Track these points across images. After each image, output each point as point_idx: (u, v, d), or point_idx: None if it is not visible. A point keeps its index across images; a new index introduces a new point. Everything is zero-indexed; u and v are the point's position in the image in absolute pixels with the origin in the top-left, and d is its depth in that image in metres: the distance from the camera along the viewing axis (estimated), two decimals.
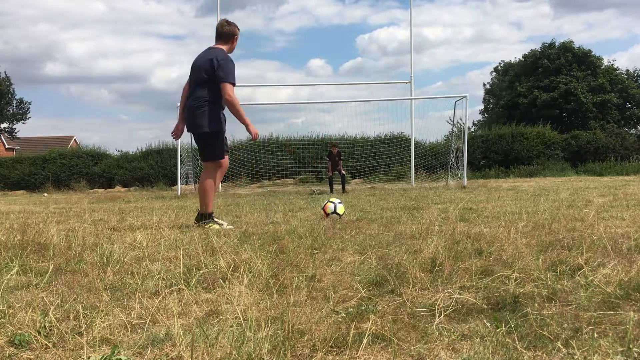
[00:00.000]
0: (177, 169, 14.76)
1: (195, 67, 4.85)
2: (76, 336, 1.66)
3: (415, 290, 2.17)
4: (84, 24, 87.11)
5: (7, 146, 42.05)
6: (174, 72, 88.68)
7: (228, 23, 4.99)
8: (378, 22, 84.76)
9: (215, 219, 4.86)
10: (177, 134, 5.18)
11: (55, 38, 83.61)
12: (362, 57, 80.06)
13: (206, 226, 4.62)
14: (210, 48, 4.94)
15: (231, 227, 4.63)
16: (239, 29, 5.05)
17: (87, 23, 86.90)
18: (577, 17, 68.30)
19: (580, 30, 67.24)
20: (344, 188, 13.06)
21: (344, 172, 13.54)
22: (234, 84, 4.76)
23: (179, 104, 5.14)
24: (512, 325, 1.67)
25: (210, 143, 4.86)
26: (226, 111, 4.96)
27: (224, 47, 4.93)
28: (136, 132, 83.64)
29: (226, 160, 5.03)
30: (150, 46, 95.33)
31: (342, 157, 13.88)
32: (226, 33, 4.94)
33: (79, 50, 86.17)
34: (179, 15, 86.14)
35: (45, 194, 17.66)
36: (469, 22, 78.30)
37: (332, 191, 12.86)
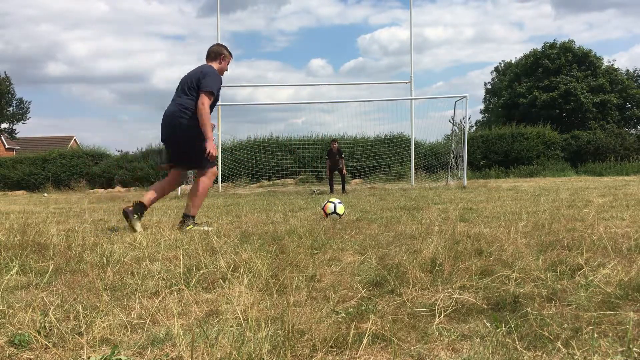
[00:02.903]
0: None
1: (183, 80, 4.87)
2: (76, 336, 1.66)
3: (415, 290, 2.17)
4: (86, 24, 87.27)
5: (7, 146, 42.05)
6: (175, 72, 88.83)
7: (217, 44, 5.17)
8: (379, 22, 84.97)
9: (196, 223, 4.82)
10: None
11: (57, 38, 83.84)
12: (363, 57, 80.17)
13: (187, 228, 4.51)
14: (200, 65, 5.01)
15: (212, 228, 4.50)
16: (229, 52, 5.09)
17: (89, 23, 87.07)
18: (578, 17, 68.44)
19: (581, 30, 67.35)
20: (344, 188, 12.90)
21: (345, 171, 13.29)
22: (210, 96, 4.69)
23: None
24: (512, 326, 1.67)
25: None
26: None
27: (214, 65, 4.97)
28: (137, 132, 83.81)
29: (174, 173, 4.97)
30: (152, 46, 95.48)
31: (343, 155, 13.39)
32: (212, 51, 5.02)
33: (81, 51, 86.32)
34: (180, 16, 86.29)
35: (45, 194, 17.66)
36: (470, 22, 78.46)
37: (332, 191, 12.69)
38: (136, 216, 4.56)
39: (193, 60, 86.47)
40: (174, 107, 4.74)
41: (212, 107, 4.82)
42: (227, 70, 5.10)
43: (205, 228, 4.48)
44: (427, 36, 73.55)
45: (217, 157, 4.81)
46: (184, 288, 2.18)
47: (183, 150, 4.77)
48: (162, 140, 4.94)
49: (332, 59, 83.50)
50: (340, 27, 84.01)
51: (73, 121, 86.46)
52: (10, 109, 37.84)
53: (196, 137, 4.66)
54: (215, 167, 4.90)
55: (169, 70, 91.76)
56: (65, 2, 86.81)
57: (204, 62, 5.03)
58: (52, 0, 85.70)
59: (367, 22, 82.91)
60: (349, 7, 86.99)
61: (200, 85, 4.69)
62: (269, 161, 19.53)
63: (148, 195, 4.76)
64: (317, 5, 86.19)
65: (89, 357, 1.52)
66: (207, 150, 4.62)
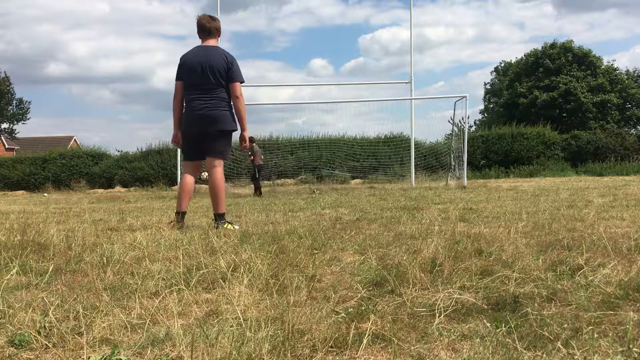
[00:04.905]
0: (177, 169, 14.77)
1: (207, 69, 4.72)
2: (76, 336, 1.66)
3: (415, 290, 2.17)
4: (87, 24, 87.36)
5: (7, 146, 42.04)
6: (175, 73, 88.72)
7: (214, 18, 4.93)
8: (380, 22, 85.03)
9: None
10: (179, 141, 5.00)
11: (58, 38, 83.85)
12: (364, 57, 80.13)
13: (224, 226, 4.57)
14: (210, 47, 4.84)
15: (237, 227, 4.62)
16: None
17: (90, 23, 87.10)
18: (579, 18, 68.42)
19: (582, 30, 67.32)
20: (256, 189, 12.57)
21: (255, 167, 12.79)
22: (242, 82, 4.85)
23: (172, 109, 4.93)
24: (512, 326, 1.67)
25: (227, 142, 4.92)
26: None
27: (216, 43, 4.90)
28: (137, 132, 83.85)
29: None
30: (153, 46, 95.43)
31: (250, 154, 12.85)
32: (216, 28, 4.89)
33: (82, 51, 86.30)
34: (182, 16, 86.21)
35: (45, 194, 17.66)
36: (471, 22, 78.45)
37: (259, 193, 12.26)
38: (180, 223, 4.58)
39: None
40: (214, 101, 4.71)
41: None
42: None
43: (236, 227, 4.56)
44: (428, 36, 73.64)
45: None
46: (184, 288, 2.18)
47: (211, 142, 4.79)
48: (194, 134, 4.81)
49: (333, 59, 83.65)
50: (342, 27, 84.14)
51: (74, 121, 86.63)
52: (11, 109, 37.82)
53: (230, 130, 4.82)
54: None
55: (170, 70, 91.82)
56: (66, 3, 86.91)
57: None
58: (53, 1, 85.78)
59: (369, 22, 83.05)
60: (350, 7, 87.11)
61: (232, 76, 4.73)
62: (269, 161, 19.53)
63: (184, 203, 4.82)
64: (318, 5, 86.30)
65: (89, 357, 1.52)
66: (246, 141, 4.93)
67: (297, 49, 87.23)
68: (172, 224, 4.56)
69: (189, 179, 4.89)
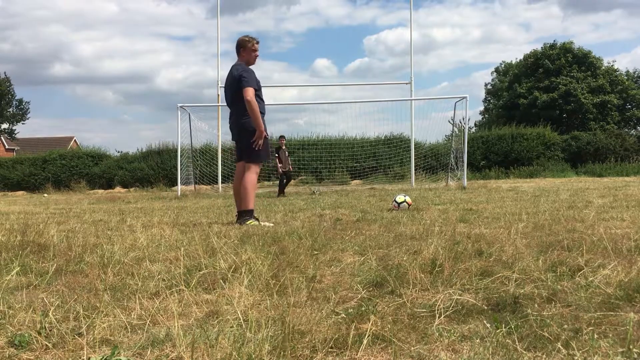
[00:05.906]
0: (177, 170, 14.77)
1: (227, 92, 5.37)
2: (76, 337, 1.66)
3: (416, 291, 2.17)
4: (95, 25, 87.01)
5: (7, 147, 42.05)
6: (179, 73, 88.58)
7: (239, 38, 5.41)
8: (387, 23, 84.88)
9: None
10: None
11: (64, 39, 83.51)
12: (369, 57, 79.96)
13: (247, 222, 4.94)
14: (231, 66, 5.40)
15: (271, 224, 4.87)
16: (249, 39, 5.37)
17: (99, 24, 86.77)
18: (585, 18, 68.06)
19: (587, 31, 67.07)
20: (283, 190, 12.22)
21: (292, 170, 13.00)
22: (253, 88, 5.13)
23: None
24: (512, 326, 1.67)
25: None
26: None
27: (241, 61, 5.36)
28: (139, 132, 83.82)
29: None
30: (159, 47, 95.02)
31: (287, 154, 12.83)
32: (236, 46, 5.39)
33: (87, 51, 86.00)
34: (189, 17, 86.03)
35: (45, 195, 17.66)
36: (477, 23, 78.18)
37: (282, 193, 11.88)
38: (252, 221, 4.97)
39: (199, 60, 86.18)
40: (236, 115, 5.28)
41: (258, 96, 5.25)
42: (256, 56, 5.43)
43: (267, 224, 4.84)
44: (434, 37, 73.45)
45: (264, 148, 5.29)
46: (184, 289, 2.18)
47: (239, 145, 5.33)
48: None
49: (337, 59, 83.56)
50: (348, 27, 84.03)
51: (77, 121, 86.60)
52: (10, 109, 37.84)
53: (251, 132, 5.16)
54: (259, 165, 5.38)
55: (174, 71, 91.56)
56: (75, 3, 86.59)
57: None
58: (62, 2, 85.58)
59: (375, 23, 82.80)
60: (358, 8, 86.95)
61: (241, 87, 5.14)
62: (269, 161, 19.50)
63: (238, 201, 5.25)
64: (326, 6, 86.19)
65: (89, 358, 1.52)
66: (253, 139, 5.12)
67: (302, 50, 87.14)
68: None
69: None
